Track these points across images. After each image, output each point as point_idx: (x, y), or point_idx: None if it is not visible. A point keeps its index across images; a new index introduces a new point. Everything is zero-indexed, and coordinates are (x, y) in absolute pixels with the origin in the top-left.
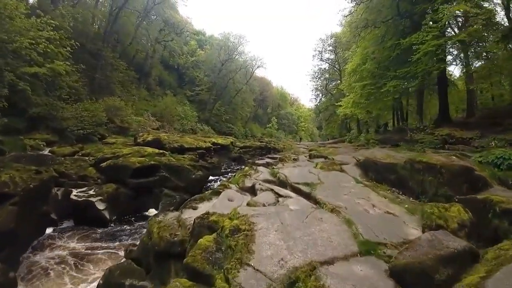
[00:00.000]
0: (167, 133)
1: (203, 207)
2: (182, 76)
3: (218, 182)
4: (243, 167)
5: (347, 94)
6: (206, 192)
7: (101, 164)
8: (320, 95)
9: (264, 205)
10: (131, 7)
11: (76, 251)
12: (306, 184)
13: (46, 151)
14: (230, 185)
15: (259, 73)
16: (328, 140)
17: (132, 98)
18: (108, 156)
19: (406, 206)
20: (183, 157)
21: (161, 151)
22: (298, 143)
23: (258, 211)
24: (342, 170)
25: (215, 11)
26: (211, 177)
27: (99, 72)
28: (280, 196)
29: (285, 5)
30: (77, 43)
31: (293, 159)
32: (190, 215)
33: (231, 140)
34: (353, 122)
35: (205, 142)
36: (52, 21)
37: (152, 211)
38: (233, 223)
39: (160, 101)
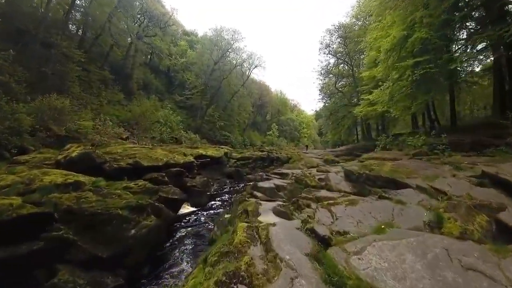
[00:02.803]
0: (135, 143)
1: None
2: (171, 80)
3: (198, 221)
4: (246, 184)
5: (381, 83)
6: None
7: None
8: (326, 96)
9: None
10: None
11: None
12: None
13: None
14: None
15: (256, 75)
16: (338, 147)
17: (98, 101)
18: None
19: None
20: (126, 188)
21: (76, 179)
22: (306, 151)
23: None
24: None
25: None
26: (189, 208)
27: (50, 66)
28: None
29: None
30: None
31: (318, 179)
32: None
33: (226, 150)
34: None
35: (185, 155)
36: None
37: None
38: None
39: (139, 106)
